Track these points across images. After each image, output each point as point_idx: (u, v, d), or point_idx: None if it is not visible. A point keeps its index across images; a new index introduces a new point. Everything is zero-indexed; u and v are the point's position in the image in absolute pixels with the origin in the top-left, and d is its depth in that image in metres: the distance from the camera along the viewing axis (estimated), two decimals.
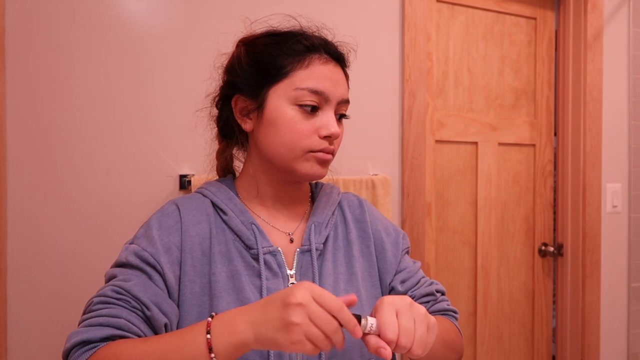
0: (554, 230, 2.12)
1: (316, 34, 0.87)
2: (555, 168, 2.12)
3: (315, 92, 0.80)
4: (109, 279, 0.78)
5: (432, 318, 0.69)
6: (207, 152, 1.05)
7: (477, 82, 1.93)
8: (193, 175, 1.39)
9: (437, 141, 1.83)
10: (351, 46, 0.91)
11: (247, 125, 0.87)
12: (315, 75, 0.81)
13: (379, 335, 0.65)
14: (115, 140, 1.33)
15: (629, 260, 2.13)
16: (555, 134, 2.12)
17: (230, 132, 0.93)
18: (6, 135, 1.22)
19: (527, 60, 2.04)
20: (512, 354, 2.03)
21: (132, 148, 1.34)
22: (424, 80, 1.72)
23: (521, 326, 2.05)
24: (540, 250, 2.08)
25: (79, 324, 0.73)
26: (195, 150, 1.41)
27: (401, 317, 0.65)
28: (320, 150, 0.82)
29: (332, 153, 0.84)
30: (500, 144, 1.98)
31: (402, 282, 0.91)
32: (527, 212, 2.06)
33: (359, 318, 0.64)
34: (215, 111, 0.97)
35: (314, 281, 0.81)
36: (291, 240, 0.87)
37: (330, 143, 0.83)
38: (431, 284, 0.94)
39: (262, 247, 0.81)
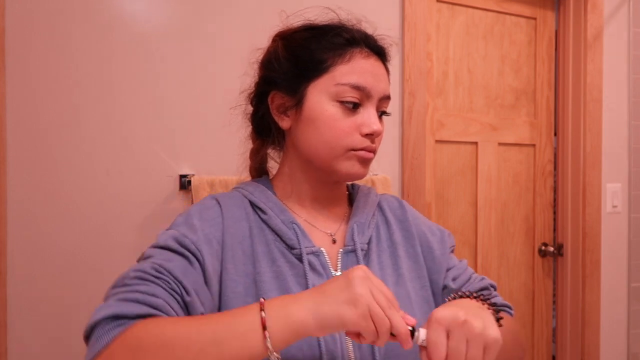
0: (554, 230, 2.12)
1: (356, 27, 0.83)
2: (555, 168, 2.12)
3: (357, 88, 0.77)
4: (145, 257, 0.70)
5: (495, 330, 0.61)
6: (240, 152, 1.01)
7: (477, 82, 1.92)
8: (193, 175, 1.39)
9: (437, 141, 1.83)
10: (393, 40, 0.87)
11: (284, 123, 0.83)
12: (357, 69, 0.78)
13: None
14: (115, 140, 1.33)
15: (629, 260, 2.13)
16: (555, 134, 2.12)
17: (266, 131, 0.89)
18: (6, 135, 1.22)
19: (527, 60, 2.04)
20: None
21: (132, 148, 1.34)
22: (424, 80, 1.72)
23: (521, 326, 2.05)
24: (540, 250, 2.08)
25: (106, 298, 0.64)
26: (196, 150, 1.41)
27: (452, 338, 0.59)
28: (362, 149, 0.78)
29: (374, 151, 0.80)
30: (500, 144, 1.98)
31: (454, 279, 0.88)
32: (527, 212, 2.06)
33: (412, 331, 0.61)
34: (249, 108, 0.93)
35: None
36: (334, 241, 0.83)
37: (372, 141, 0.79)
38: (482, 279, 0.91)
39: (305, 247, 0.78)
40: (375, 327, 0.59)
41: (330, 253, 0.81)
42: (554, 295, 2.13)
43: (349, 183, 0.94)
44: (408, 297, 0.82)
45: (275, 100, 0.83)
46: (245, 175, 0.97)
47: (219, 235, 0.75)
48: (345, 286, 0.60)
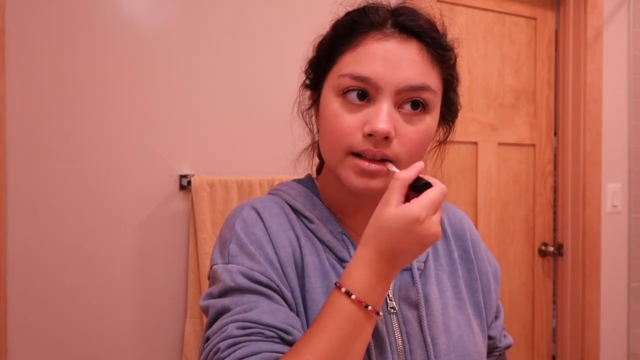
0: (554, 230, 2.12)
1: (384, 6, 0.68)
2: (555, 168, 2.12)
3: (359, 79, 0.63)
4: (219, 312, 0.63)
5: None
6: (285, 154, 0.93)
7: (477, 82, 1.92)
8: (193, 175, 1.39)
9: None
10: (447, 22, 0.72)
11: (316, 122, 0.75)
12: (363, 57, 0.64)
13: None
14: (115, 140, 1.33)
15: (629, 260, 2.13)
16: (555, 134, 2.12)
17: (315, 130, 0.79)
18: (6, 135, 1.22)
19: (527, 60, 2.04)
20: (512, 353, 2.03)
21: (132, 148, 1.34)
22: None
23: (521, 326, 2.05)
24: (540, 250, 2.08)
25: None
26: (196, 150, 1.41)
27: None
28: (362, 153, 0.63)
29: (389, 161, 0.64)
30: (500, 144, 1.98)
31: (500, 330, 0.80)
32: (527, 212, 2.06)
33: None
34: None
35: (419, 306, 0.69)
36: None
37: (377, 144, 0.62)
38: (506, 336, 0.84)
39: None
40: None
41: None
42: (554, 295, 2.13)
43: None
44: (470, 326, 0.72)
45: (310, 97, 0.76)
46: (298, 176, 0.84)
47: (274, 254, 0.66)
48: (417, 241, 0.56)
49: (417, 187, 0.57)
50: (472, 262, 0.78)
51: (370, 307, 0.56)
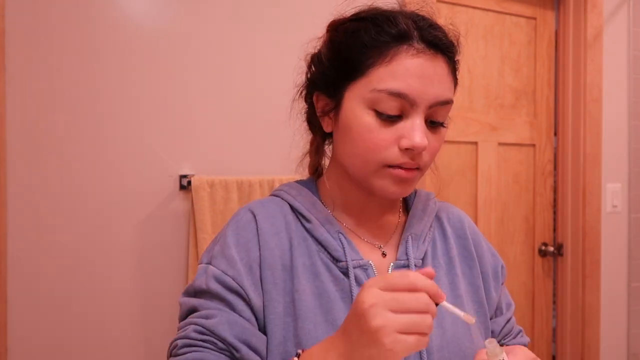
0: (554, 230, 2.12)
1: (411, 16, 0.69)
2: (555, 168, 2.12)
3: (398, 95, 0.64)
4: (188, 311, 0.69)
5: None
6: (286, 153, 0.92)
7: (477, 82, 1.92)
8: (193, 175, 1.39)
9: None
10: (458, 30, 0.75)
11: (327, 126, 0.74)
12: (399, 72, 0.65)
13: None
14: (115, 140, 1.33)
15: (629, 260, 2.13)
16: (555, 134, 2.12)
17: (314, 130, 0.80)
18: (6, 135, 1.22)
19: (527, 60, 2.04)
20: None
21: (132, 148, 1.34)
22: None
23: (521, 326, 2.04)
24: (540, 250, 2.08)
25: None
26: (196, 150, 1.41)
27: None
28: (398, 166, 0.67)
29: (420, 168, 0.69)
30: (500, 144, 1.98)
31: (502, 325, 0.82)
32: (527, 212, 2.06)
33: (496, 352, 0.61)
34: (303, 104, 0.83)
35: None
36: (383, 254, 0.74)
37: (414, 157, 0.67)
38: (521, 335, 0.85)
39: (352, 260, 0.70)
40: (419, 329, 0.51)
41: (380, 267, 0.73)
42: (554, 295, 2.13)
43: None
44: (467, 323, 0.75)
45: (319, 101, 0.75)
46: (299, 176, 0.85)
47: (257, 257, 0.69)
48: (362, 324, 0.51)
49: None
50: (474, 259, 0.79)
51: None
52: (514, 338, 0.84)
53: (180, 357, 0.64)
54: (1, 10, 1.20)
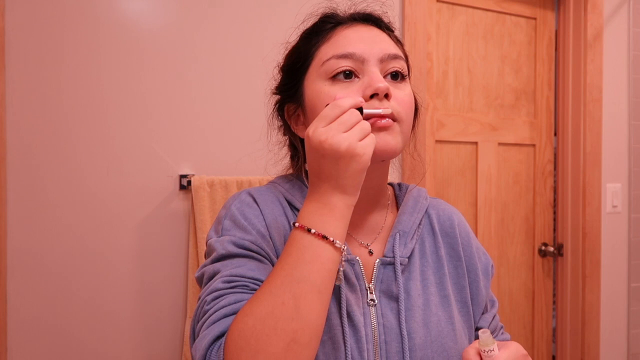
0: (554, 230, 2.12)
1: (343, 8, 0.77)
2: (555, 168, 2.12)
3: (344, 56, 0.69)
4: (211, 276, 0.67)
5: None
6: (274, 158, 0.95)
7: (477, 82, 1.92)
8: (193, 175, 1.39)
9: (437, 141, 1.83)
10: (387, 8, 0.80)
11: (301, 132, 0.77)
12: (340, 41, 0.71)
13: None
14: (115, 140, 1.33)
15: (629, 260, 2.13)
16: (555, 134, 2.12)
17: (294, 150, 0.84)
18: (6, 135, 1.22)
19: (527, 60, 2.04)
20: None
21: (132, 148, 1.34)
22: (424, 80, 1.72)
23: (521, 326, 2.05)
24: (540, 250, 2.08)
25: (195, 335, 0.63)
26: (196, 150, 1.41)
27: None
28: (367, 116, 0.66)
29: (396, 120, 0.68)
30: (500, 144, 1.98)
31: (489, 322, 0.82)
32: (527, 212, 2.06)
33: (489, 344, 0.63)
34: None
35: (399, 300, 0.71)
36: (370, 252, 0.75)
37: (382, 102, 0.68)
38: (502, 332, 0.86)
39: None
40: (367, 134, 0.61)
41: (366, 263, 0.74)
42: (554, 295, 2.13)
43: (396, 184, 0.86)
44: (452, 322, 0.74)
45: (288, 111, 0.79)
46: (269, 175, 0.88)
47: (266, 231, 0.71)
48: (332, 158, 0.59)
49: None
50: (461, 259, 0.80)
51: (314, 231, 0.60)
52: (499, 334, 0.85)
53: (211, 310, 0.61)
54: (1, 10, 1.20)
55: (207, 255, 0.72)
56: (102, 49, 1.31)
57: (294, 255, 0.59)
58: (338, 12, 0.76)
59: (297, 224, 0.61)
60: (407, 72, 0.74)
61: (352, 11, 0.76)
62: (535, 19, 2.04)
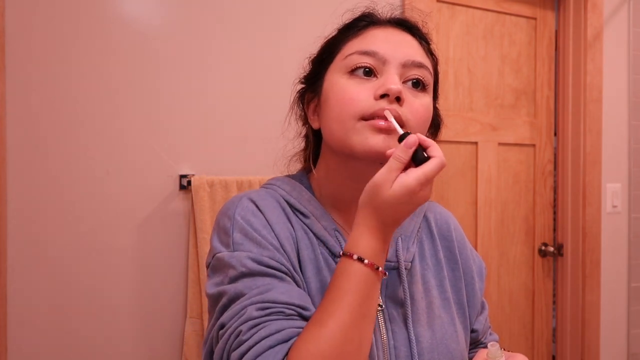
0: (554, 230, 2.12)
1: (383, 12, 0.77)
2: (555, 168, 2.12)
3: (367, 53, 0.69)
4: (233, 297, 0.63)
5: None
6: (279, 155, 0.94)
7: (477, 82, 1.92)
8: (193, 175, 1.39)
9: (437, 141, 1.83)
10: (424, 18, 0.80)
11: (315, 123, 0.76)
12: (368, 38, 0.71)
13: None
14: (115, 140, 1.33)
15: (629, 260, 2.13)
16: (555, 134, 2.12)
17: (308, 140, 0.83)
18: (6, 135, 1.22)
19: (527, 60, 2.04)
20: None
21: (132, 148, 1.34)
22: None
23: (521, 326, 2.05)
24: (540, 250, 2.08)
25: None
26: (196, 150, 1.41)
27: None
28: (374, 114, 0.65)
29: (403, 125, 0.67)
30: (500, 144, 1.98)
31: (483, 323, 0.83)
32: (527, 212, 2.06)
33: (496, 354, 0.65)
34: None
35: (404, 305, 0.72)
36: None
37: (392, 104, 0.66)
38: (492, 334, 0.87)
39: None
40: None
41: None
42: (554, 295, 2.13)
43: None
44: (453, 324, 0.75)
45: (307, 99, 0.78)
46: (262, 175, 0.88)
47: (278, 243, 0.68)
48: (412, 208, 0.62)
49: (417, 159, 0.62)
50: (457, 262, 0.81)
51: (380, 268, 0.62)
52: (487, 336, 0.87)
53: (251, 340, 0.59)
54: (1, 10, 1.20)
55: (215, 268, 0.68)
56: (102, 49, 1.31)
57: (364, 291, 0.61)
58: (375, 13, 0.77)
59: (366, 261, 0.61)
60: (430, 83, 0.73)
61: (390, 15, 0.77)
62: (535, 19, 2.04)
